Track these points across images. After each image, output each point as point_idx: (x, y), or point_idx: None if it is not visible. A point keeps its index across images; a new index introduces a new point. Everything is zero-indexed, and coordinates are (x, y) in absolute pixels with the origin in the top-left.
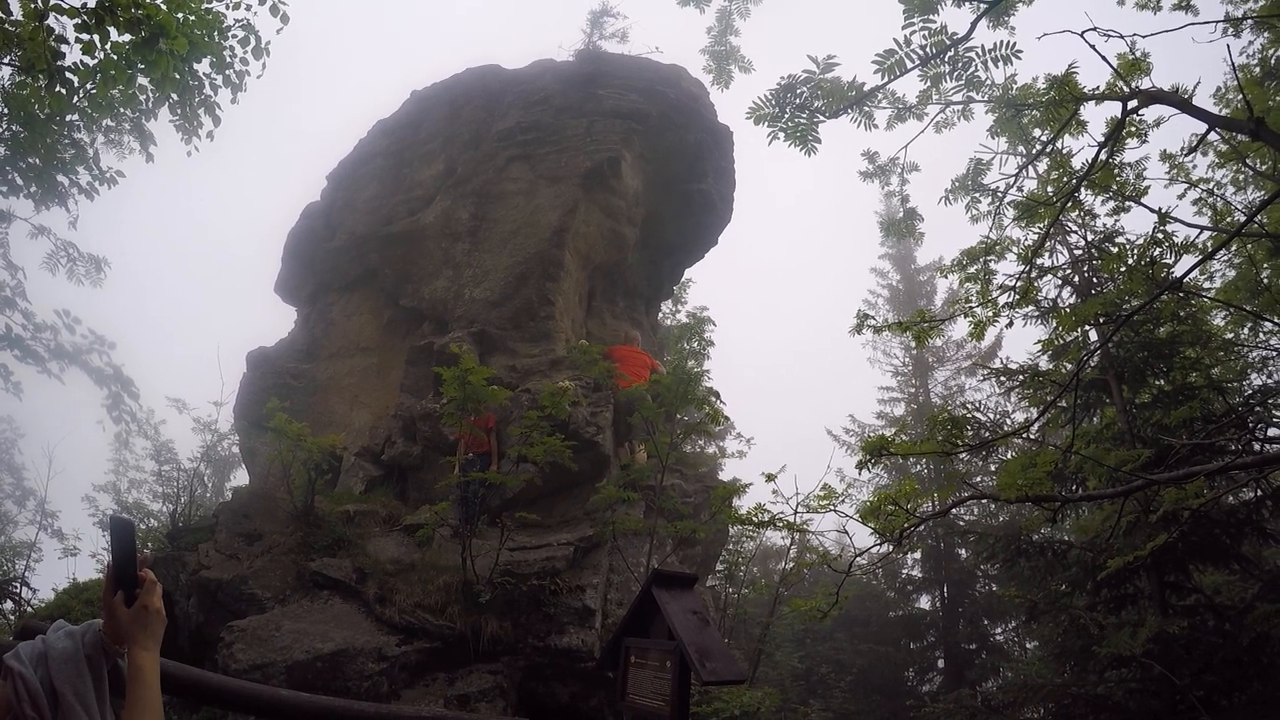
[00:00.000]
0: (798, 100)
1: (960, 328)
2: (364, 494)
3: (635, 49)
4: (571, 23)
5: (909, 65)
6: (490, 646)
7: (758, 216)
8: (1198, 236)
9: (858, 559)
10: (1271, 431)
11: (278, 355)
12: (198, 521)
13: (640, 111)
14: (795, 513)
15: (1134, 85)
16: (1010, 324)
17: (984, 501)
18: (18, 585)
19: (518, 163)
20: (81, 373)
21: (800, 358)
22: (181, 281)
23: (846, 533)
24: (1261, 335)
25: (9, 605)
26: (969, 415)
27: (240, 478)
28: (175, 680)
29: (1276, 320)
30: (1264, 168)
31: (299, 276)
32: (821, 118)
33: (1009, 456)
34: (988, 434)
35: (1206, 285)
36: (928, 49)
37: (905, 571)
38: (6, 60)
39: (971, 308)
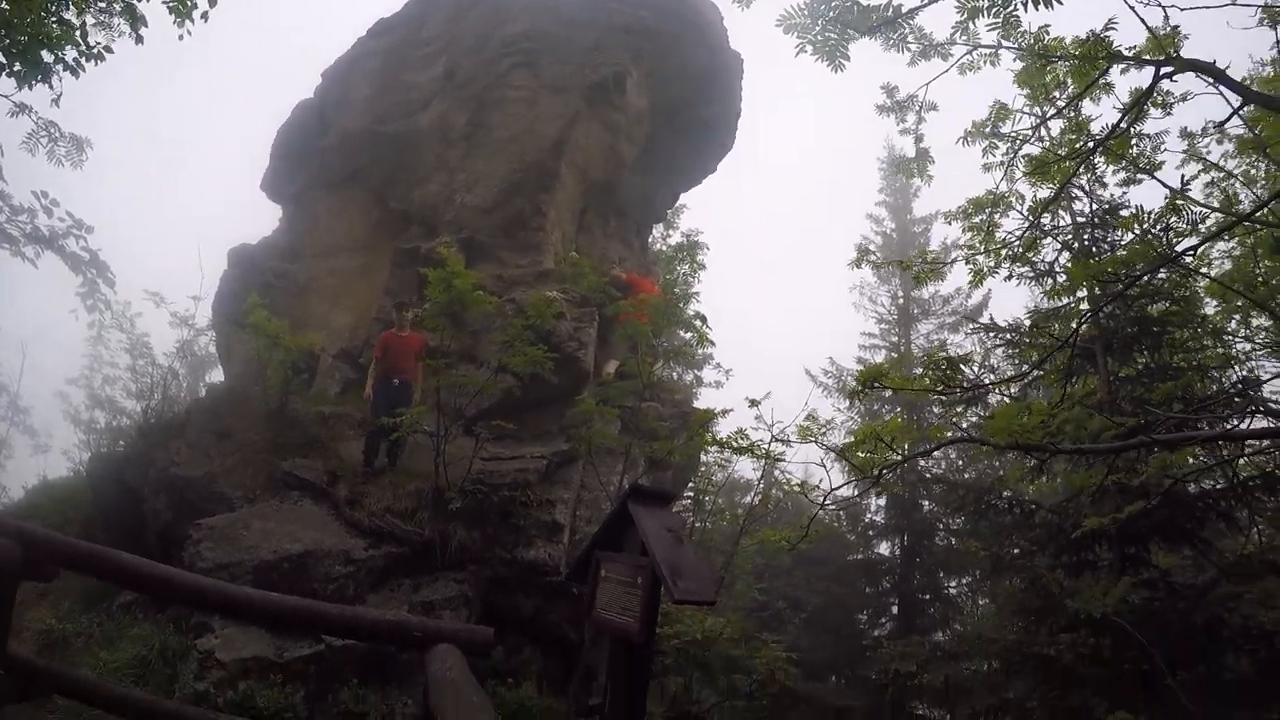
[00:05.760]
0: (831, 13)
1: (948, 282)
2: (339, 396)
3: None
4: None
5: None
6: (457, 555)
7: (755, 159)
8: (1204, 221)
9: (833, 494)
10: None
11: (261, 253)
12: (170, 419)
13: (651, 29)
14: (771, 441)
15: (1168, 54)
16: (1010, 277)
17: (951, 456)
18: None
19: (521, 70)
20: (57, 260)
21: (783, 296)
22: (164, 177)
23: (824, 465)
24: (1246, 330)
25: None
26: (954, 368)
27: (216, 377)
28: (142, 576)
29: (1271, 311)
30: None
31: (287, 173)
32: (853, 33)
33: (989, 416)
34: (965, 387)
35: (1204, 271)
36: None
37: (869, 516)
38: None
39: (974, 254)
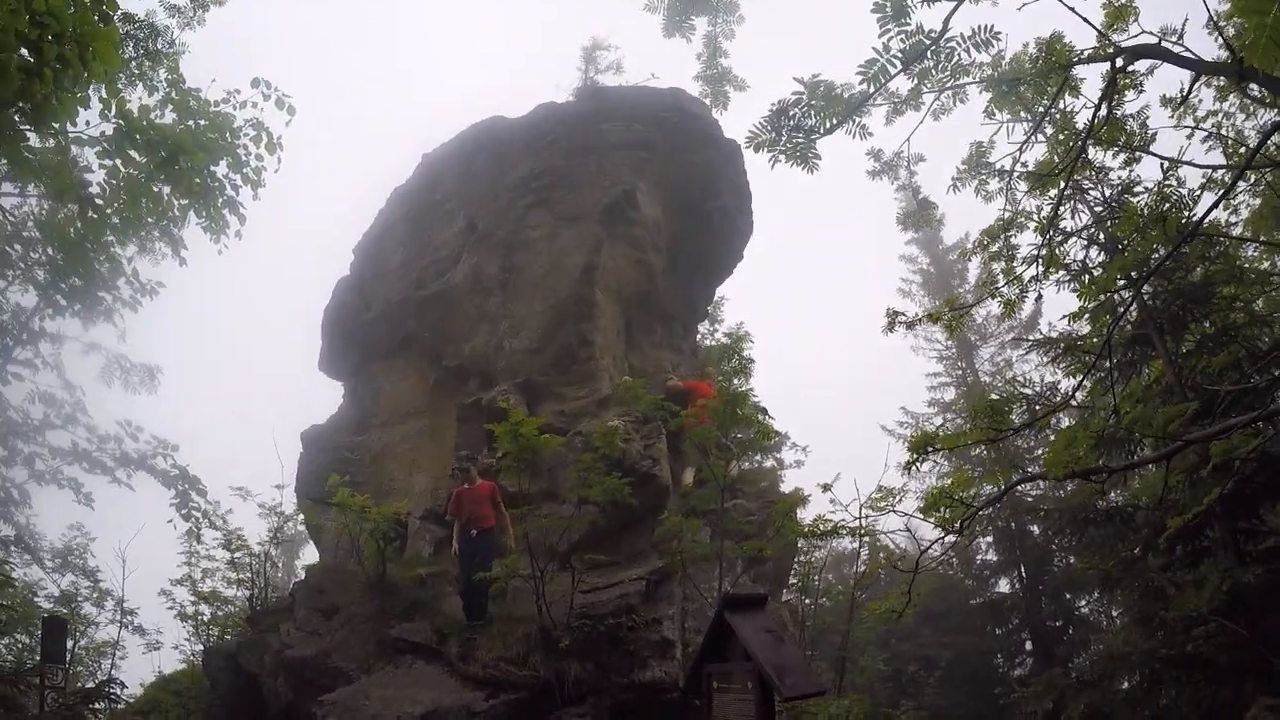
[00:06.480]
0: (792, 121)
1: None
2: (433, 556)
3: (632, 78)
4: (567, 61)
5: (892, 71)
6: (575, 690)
7: (783, 226)
8: (1214, 172)
9: (926, 553)
10: None
11: (331, 430)
12: (274, 603)
13: (647, 140)
14: (859, 517)
15: (1120, 40)
16: (1039, 296)
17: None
18: (112, 686)
19: (536, 209)
20: (148, 475)
21: (848, 355)
22: (233, 366)
23: (909, 530)
24: None
25: (101, 705)
26: (1016, 392)
27: (308, 554)
28: None
29: None
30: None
31: (340, 351)
32: (817, 135)
33: (1064, 425)
34: (1038, 407)
35: (1233, 219)
36: (907, 51)
37: (980, 557)
38: (32, 187)
39: (998, 288)
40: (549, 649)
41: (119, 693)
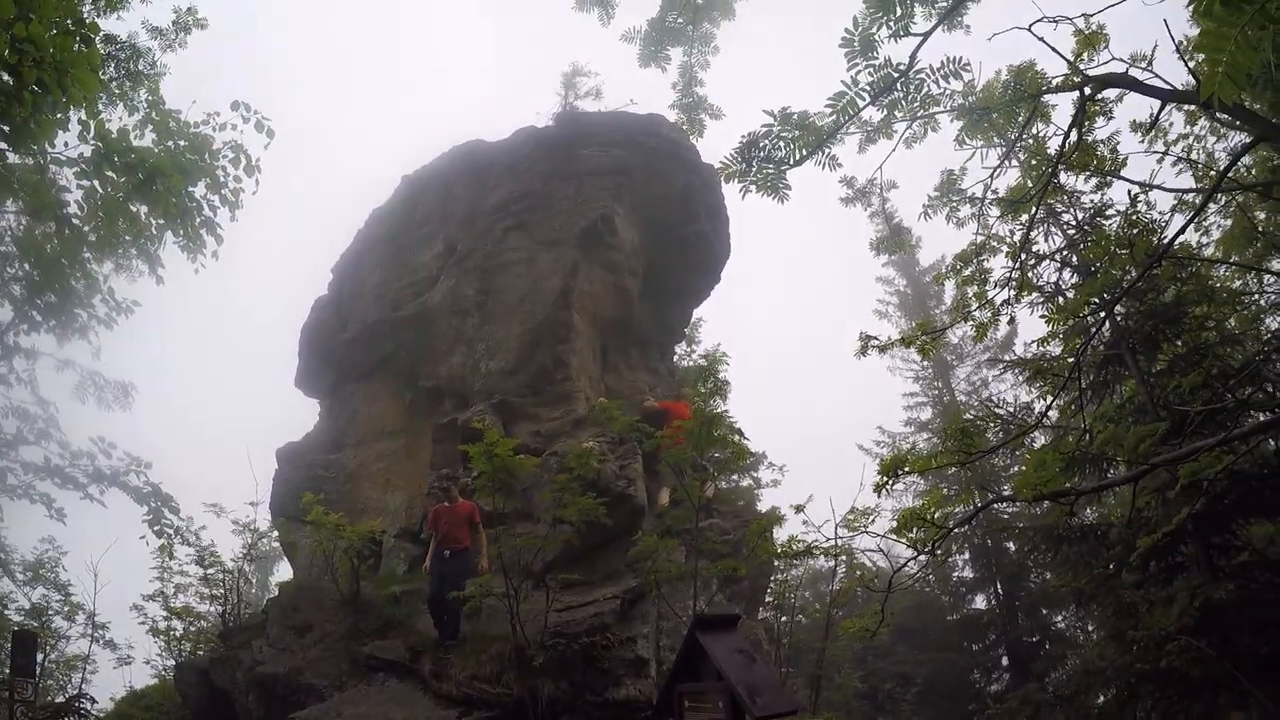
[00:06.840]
0: (762, 153)
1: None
2: (407, 574)
3: (610, 103)
4: (547, 86)
5: (860, 104)
6: (549, 709)
7: (761, 247)
8: (1186, 193)
9: (899, 572)
10: None
11: (306, 448)
12: (247, 619)
13: (625, 165)
14: (834, 537)
15: (1092, 65)
16: (1012, 320)
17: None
18: (82, 700)
19: (514, 233)
20: (121, 492)
21: (824, 371)
22: (208, 384)
23: (883, 550)
24: (1266, 280)
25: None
26: (990, 413)
27: (282, 571)
28: None
29: (1273, 268)
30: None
31: (317, 369)
32: (787, 166)
33: (1040, 444)
34: (1012, 427)
35: (1204, 240)
36: (876, 85)
37: (956, 574)
38: (10, 203)
39: (970, 312)
40: (523, 667)
41: (89, 707)
